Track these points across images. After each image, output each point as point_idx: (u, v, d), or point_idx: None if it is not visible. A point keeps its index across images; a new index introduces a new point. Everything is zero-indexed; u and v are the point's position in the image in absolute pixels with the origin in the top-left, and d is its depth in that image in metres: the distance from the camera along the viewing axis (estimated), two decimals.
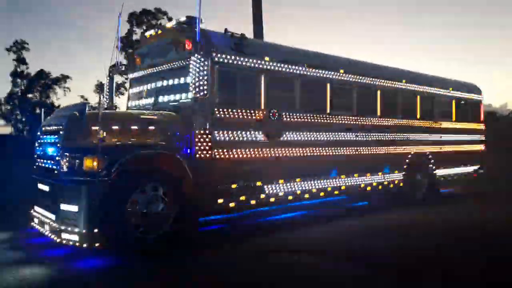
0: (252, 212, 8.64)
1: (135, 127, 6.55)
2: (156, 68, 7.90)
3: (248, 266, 5.71)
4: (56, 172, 6.42)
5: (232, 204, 7.17)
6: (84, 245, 5.76)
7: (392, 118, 10.07)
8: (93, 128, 6.22)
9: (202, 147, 6.78)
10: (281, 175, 7.87)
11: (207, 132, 6.84)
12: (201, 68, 6.57)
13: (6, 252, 6.26)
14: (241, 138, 7.29)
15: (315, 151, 8.41)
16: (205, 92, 6.56)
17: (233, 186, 7.20)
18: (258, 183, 7.53)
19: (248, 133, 7.38)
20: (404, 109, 10.43)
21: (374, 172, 9.57)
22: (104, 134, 6.11)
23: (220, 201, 7.03)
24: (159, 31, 7.87)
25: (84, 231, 5.74)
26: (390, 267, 5.57)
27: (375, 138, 9.60)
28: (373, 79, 9.66)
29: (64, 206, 6.00)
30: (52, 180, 6.35)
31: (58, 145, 6.42)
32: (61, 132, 6.43)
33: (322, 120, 8.58)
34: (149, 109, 7.80)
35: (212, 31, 7.18)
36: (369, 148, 9.46)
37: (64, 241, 5.95)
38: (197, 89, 6.56)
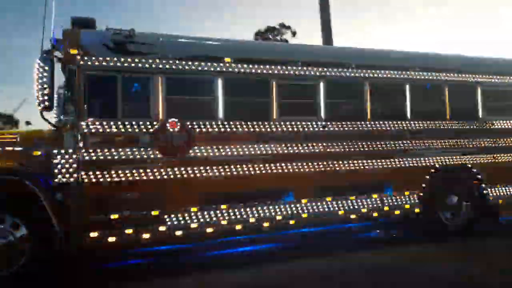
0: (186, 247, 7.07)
1: None
2: None
3: None
4: None
5: (112, 239, 5.79)
6: None
7: (393, 121, 7.42)
8: None
9: (63, 170, 5.63)
10: (194, 201, 6.20)
11: (69, 151, 5.66)
12: (44, 74, 5.47)
13: None
14: (123, 156, 5.89)
15: (250, 169, 6.49)
16: (47, 103, 5.46)
17: (114, 216, 5.82)
18: (154, 212, 6.01)
19: (134, 149, 5.94)
20: (419, 107, 7.64)
21: (362, 194, 7.12)
22: None
23: (93, 234, 5.72)
24: None
25: None
26: None
27: (361, 149, 7.12)
28: (358, 70, 7.25)
29: None
30: None
31: None
32: None
33: (262, 129, 6.60)
34: None
35: (86, 31, 5.97)
36: (351, 161, 7.05)
37: None
38: (39, 100, 5.47)
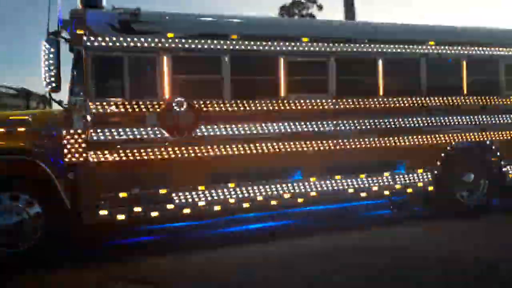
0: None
1: None
2: None
3: None
4: None
5: (121, 217, 5.93)
6: None
7: (408, 97, 7.20)
8: None
9: (72, 149, 5.75)
10: (200, 180, 6.25)
11: (79, 131, 5.77)
12: (51, 55, 5.57)
13: None
14: (130, 136, 5.96)
15: (259, 147, 6.47)
16: (54, 84, 5.60)
17: (122, 195, 5.94)
18: (162, 191, 6.09)
19: (141, 129, 6.00)
20: (435, 83, 7.39)
21: (373, 172, 7.02)
22: None
23: (103, 213, 5.87)
24: None
25: None
26: None
27: (372, 127, 6.99)
28: (371, 45, 7.05)
29: None
30: None
31: None
32: None
33: (270, 107, 6.55)
34: None
35: (92, 11, 5.98)
36: (362, 140, 6.93)
37: None
38: (47, 81, 5.59)
